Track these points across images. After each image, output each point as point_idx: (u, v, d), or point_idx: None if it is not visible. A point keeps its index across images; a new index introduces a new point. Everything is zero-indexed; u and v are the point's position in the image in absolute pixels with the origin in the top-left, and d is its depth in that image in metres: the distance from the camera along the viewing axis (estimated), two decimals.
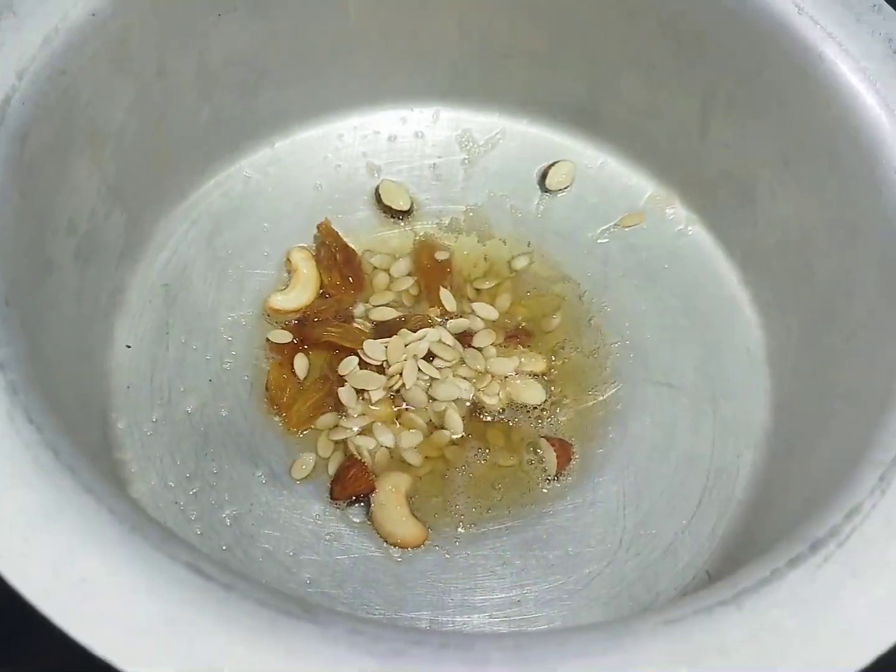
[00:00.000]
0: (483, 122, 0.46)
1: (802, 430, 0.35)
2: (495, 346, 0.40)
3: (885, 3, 0.35)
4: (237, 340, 0.39)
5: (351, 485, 0.36)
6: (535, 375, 0.39)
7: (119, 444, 0.36)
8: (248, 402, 0.38)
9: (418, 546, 0.35)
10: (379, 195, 0.43)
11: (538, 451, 0.38)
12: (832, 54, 0.34)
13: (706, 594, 0.23)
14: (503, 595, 0.35)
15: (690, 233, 0.43)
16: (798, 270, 0.38)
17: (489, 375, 0.39)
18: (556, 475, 0.37)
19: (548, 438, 0.38)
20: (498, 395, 0.39)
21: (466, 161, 0.45)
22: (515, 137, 0.46)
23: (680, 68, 0.40)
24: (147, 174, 0.38)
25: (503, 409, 0.39)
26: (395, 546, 0.35)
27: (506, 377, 0.39)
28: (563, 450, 0.38)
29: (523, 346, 0.40)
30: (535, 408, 0.39)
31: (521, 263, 0.42)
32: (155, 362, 0.38)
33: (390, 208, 0.43)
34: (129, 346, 0.38)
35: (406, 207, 0.43)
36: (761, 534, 0.34)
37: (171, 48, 0.36)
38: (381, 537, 0.35)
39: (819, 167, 0.35)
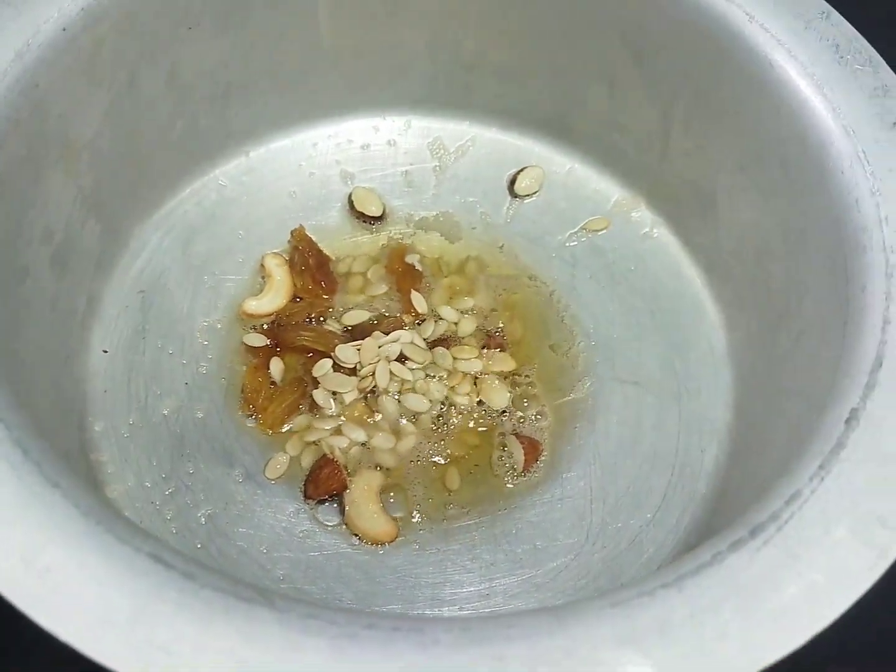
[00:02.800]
0: (454, 130, 0.47)
1: (758, 425, 0.36)
2: (467, 346, 0.41)
3: (834, 10, 0.36)
4: (213, 345, 0.40)
5: (324, 484, 0.37)
6: (504, 375, 0.40)
7: (96, 447, 0.37)
8: (224, 405, 0.39)
9: (391, 542, 0.36)
10: (352, 202, 0.44)
11: (507, 448, 0.39)
12: (782, 60, 0.35)
13: (650, 578, 0.24)
14: (472, 588, 0.36)
15: (655, 236, 0.45)
16: (755, 273, 0.39)
17: (460, 374, 0.40)
18: (523, 472, 0.38)
19: (517, 436, 0.39)
20: (468, 394, 0.40)
21: (437, 168, 0.46)
22: (485, 145, 0.47)
23: (641, 79, 0.41)
24: (122, 184, 0.39)
25: (476, 406, 0.39)
26: (367, 543, 0.36)
27: (476, 376, 0.40)
28: (532, 447, 0.38)
29: (499, 350, 0.41)
30: (505, 408, 0.40)
31: (490, 267, 0.43)
32: (131, 367, 0.39)
33: (363, 214, 0.44)
34: (105, 352, 0.39)
35: (378, 213, 0.44)
36: (720, 525, 0.35)
37: (142, 61, 0.37)
38: (353, 534, 0.36)
39: (772, 173, 0.36)
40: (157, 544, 0.23)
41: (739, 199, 0.39)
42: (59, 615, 0.21)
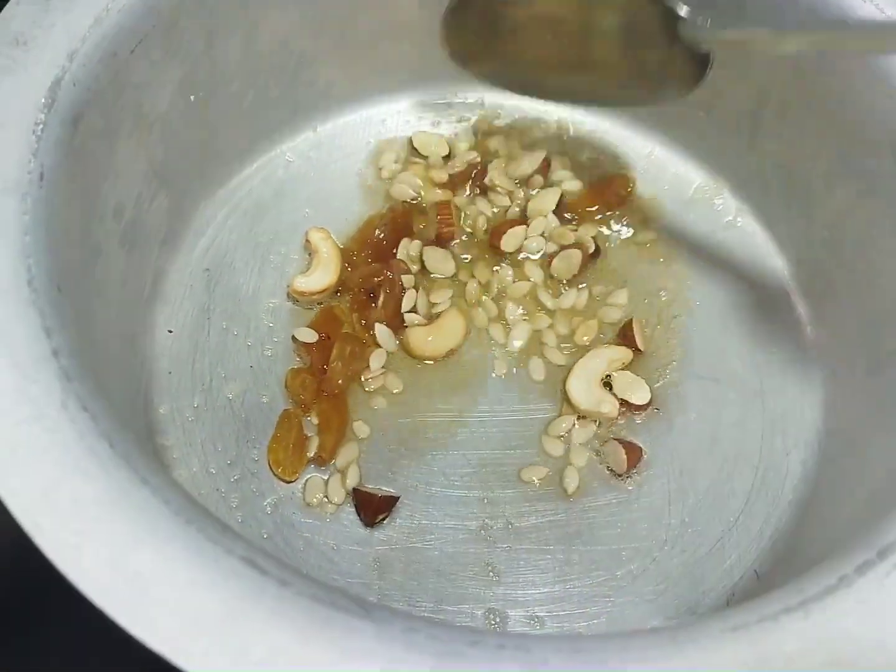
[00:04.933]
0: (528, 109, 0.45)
1: (857, 429, 0.34)
2: None
3: None
4: (278, 326, 0.39)
5: None
6: None
7: (161, 430, 0.36)
8: None
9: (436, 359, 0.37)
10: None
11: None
12: None
13: (771, 601, 0.22)
14: (546, 590, 0.34)
15: (739, 224, 0.43)
16: (856, 267, 0.37)
17: None
18: (623, 474, 0.36)
19: (617, 440, 0.37)
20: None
21: None
22: None
23: (733, 62, 0.39)
24: (191, 158, 0.38)
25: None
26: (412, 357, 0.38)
27: None
28: (632, 450, 0.37)
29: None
30: None
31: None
32: (196, 348, 0.38)
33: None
34: (170, 332, 0.38)
35: (445, 153, 0.43)
36: (813, 535, 0.33)
37: (219, 29, 0.35)
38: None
39: (882, 161, 0.34)
40: (249, 546, 0.22)
41: (839, 186, 0.37)
42: (149, 622, 0.20)
